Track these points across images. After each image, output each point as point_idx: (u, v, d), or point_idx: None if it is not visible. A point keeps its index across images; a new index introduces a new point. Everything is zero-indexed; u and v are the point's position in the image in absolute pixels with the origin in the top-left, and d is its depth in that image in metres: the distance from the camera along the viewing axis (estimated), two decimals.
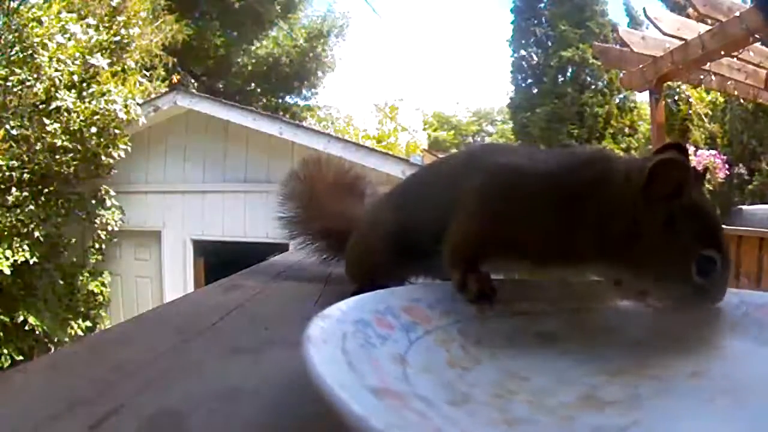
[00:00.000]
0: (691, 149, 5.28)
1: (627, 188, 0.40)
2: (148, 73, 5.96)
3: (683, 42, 3.54)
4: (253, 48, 11.85)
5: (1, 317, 4.41)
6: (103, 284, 5.26)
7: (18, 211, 4.46)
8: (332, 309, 0.31)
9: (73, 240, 5.04)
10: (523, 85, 6.87)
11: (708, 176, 5.33)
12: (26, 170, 4.59)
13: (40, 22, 4.50)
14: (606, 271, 0.43)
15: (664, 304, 0.41)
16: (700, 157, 4.87)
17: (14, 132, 4.47)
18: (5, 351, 4.40)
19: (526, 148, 0.53)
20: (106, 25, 5.03)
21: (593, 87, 6.29)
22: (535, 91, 6.73)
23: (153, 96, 5.70)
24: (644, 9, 3.66)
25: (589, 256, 0.41)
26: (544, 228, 0.42)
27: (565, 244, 0.41)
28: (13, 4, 4.59)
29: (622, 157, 0.51)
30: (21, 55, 4.50)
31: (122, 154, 4.95)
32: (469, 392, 0.28)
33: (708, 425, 0.25)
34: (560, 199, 0.41)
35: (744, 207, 3.29)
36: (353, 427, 0.19)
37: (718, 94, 5.92)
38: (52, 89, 4.55)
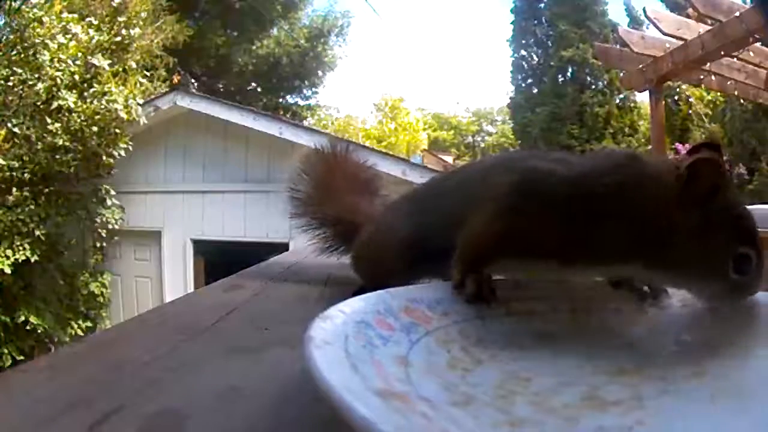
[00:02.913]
0: (683, 150, 5.27)
1: (661, 189, 0.40)
2: (148, 74, 5.95)
3: (683, 42, 3.54)
4: (254, 47, 11.85)
5: (2, 317, 4.42)
6: (103, 285, 5.26)
7: (18, 210, 4.47)
8: (333, 310, 0.31)
9: (73, 240, 5.04)
10: (523, 85, 6.86)
11: None
12: (27, 170, 4.59)
13: (41, 22, 4.50)
14: (636, 273, 0.43)
15: (701, 302, 0.42)
16: None
17: (16, 130, 4.47)
18: (6, 351, 4.40)
19: (556, 153, 0.52)
20: (107, 25, 5.02)
21: (593, 87, 6.27)
22: (535, 91, 6.72)
23: (153, 96, 5.71)
24: (644, 9, 3.66)
25: (619, 257, 0.41)
26: (575, 227, 0.42)
27: (596, 245, 0.41)
28: (15, 4, 4.59)
29: (653, 158, 0.51)
30: (22, 55, 4.50)
31: (123, 153, 4.95)
32: (472, 393, 0.28)
33: (710, 425, 0.25)
34: (593, 200, 0.42)
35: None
36: (360, 430, 0.19)
37: (718, 94, 5.92)
38: (54, 89, 4.55)
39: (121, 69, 5.00)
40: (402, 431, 0.19)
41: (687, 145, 5.18)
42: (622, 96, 6.27)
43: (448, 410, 0.25)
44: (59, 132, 4.57)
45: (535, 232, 0.43)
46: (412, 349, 0.31)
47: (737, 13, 3.19)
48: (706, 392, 0.29)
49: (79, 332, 4.89)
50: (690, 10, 3.63)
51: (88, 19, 4.96)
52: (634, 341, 0.37)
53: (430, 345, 0.32)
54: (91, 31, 4.80)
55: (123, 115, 4.73)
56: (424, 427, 0.22)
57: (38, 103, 4.59)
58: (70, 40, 4.64)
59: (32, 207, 4.52)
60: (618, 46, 4.34)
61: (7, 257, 4.29)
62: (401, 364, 0.28)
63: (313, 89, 13.13)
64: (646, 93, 4.38)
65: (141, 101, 5.08)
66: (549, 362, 0.33)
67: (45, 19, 4.53)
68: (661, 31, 3.56)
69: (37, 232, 4.47)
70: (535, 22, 6.76)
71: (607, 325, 0.39)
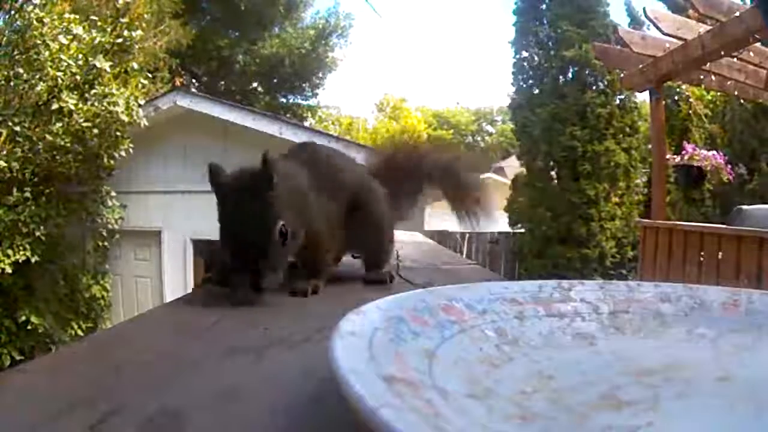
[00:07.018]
0: (690, 149, 5.26)
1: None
2: (151, 75, 5.94)
3: (683, 42, 3.54)
4: (256, 48, 11.84)
5: (3, 317, 4.42)
6: (104, 288, 5.26)
7: (19, 210, 4.46)
8: (369, 305, 0.31)
9: (74, 240, 5.04)
10: (524, 85, 6.81)
11: (708, 176, 5.31)
12: (27, 170, 4.59)
13: (42, 23, 4.49)
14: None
15: None
16: (704, 157, 4.86)
17: (17, 129, 4.46)
18: (6, 351, 4.40)
19: None
20: (110, 26, 5.00)
21: (595, 87, 6.24)
22: (536, 91, 6.68)
23: (153, 96, 5.70)
24: (644, 9, 3.66)
25: None
26: None
27: None
28: (17, 4, 4.58)
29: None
30: (24, 56, 4.49)
31: (123, 153, 4.95)
32: (493, 388, 0.27)
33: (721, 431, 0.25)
34: None
35: (744, 207, 3.28)
36: (353, 405, 0.19)
37: (718, 94, 5.91)
38: (55, 89, 4.54)
39: (122, 71, 4.99)
40: (387, 407, 0.19)
41: (692, 145, 5.18)
42: (622, 96, 6.24)
43: (462, 401, 0.25)
44: (60, 133, 4.57)
45: None
46: (443, 344, 0.31)
47: (737, 13, 3.18)
48: (725, 397, 0.28)
49: (80, 332, 4.89)
50: (690, 11, 3.63)
51: (92, 18, 4.95)
52: (671, 342, 0.36)
53: (464, 342, 0.32)
54: (93, 32, 4.79)
55: (124, 117, 4.71)
56: (416, 408, 0.21)
57: (39, 104, 4.58)
58: (72, 40, 4.63)
59: (33, 207, 4.52)
60: (618, 46, 4.33)
61: (8, 257, 4.29)
62: (426, 357, 0.28)
63: (314, 90, 13.12)
64: (646, 93, 4.38)
65: (142, 102, 5.07)
66: (580, 362, 0.32)
67: (46, 19, 4.52)
68: (661, 31, 3.56)
69: (38, 233, 4.47)
70: (537, 23, 6.72)
71: (647, 326, 0.39)
